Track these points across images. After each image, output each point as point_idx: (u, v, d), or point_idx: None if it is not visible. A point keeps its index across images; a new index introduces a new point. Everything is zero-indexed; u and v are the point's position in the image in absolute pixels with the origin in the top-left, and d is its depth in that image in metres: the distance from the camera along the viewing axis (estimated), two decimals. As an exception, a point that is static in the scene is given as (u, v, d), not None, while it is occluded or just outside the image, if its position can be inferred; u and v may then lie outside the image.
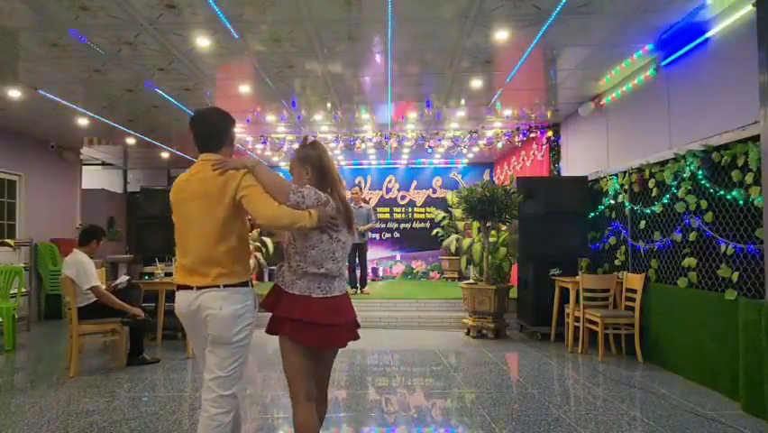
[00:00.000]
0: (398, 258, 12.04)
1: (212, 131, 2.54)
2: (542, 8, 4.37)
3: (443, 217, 11.82)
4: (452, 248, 11.08)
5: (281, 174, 2.58)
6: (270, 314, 2.51)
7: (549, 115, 7.85)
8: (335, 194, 2.53)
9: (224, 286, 2.40)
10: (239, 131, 8.83)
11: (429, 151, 9.64)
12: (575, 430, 3.51)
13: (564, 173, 8.14)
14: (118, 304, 5.11)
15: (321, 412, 2.59)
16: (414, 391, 4.54)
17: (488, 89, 6.63)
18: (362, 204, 9.11)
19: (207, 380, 2.43)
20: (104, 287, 5.32)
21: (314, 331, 2.38)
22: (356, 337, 2.57)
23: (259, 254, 9.53)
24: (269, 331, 2.51)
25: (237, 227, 2.44)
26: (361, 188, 10.81)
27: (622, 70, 5.91)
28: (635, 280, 5.55)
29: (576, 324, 5.92)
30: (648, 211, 5.50)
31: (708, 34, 4.61)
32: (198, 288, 2.42)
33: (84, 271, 4.98)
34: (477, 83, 6.35)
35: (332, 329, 2.42)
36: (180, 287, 2.53)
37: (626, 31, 4.88)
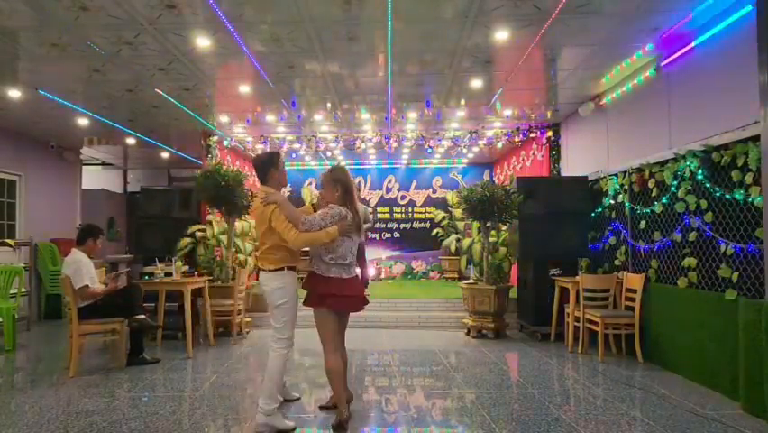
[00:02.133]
0: (399, 258, 12.03)
1: (258, 171, 3.79)
2: (542, 8, 4.37)
3: (443, 217, 11.81)
4: (452, 248, 11.08)
5: (298, 206, 3.81)
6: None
7: (549, 115, 7.86)
8: (352, 207, 3.62)
9: (268, 270, 3.66)
10: (240, 131, 8.84)
11: (429, 151, 9.64)
12: (575, 430, 3.51)
13: (564, 173, 8.14)
14: (104, 289, 5.18)
15: (344, 357, 3.85)
16: (414, 391, 4.54)
17: (488, 89, 6.63)
18: (361, 204, 9.08)
19: (272, 329, 3.68)
20: (101, 287, 5.31)
21: (346, 301, 3.62)
22: (367, 303, 3.80)
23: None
24: (310, 305, 3.63)
25: (273, 238, 3.61)
26: (359, 188, 10.79)
27: (622, 70, 5.91)
28: (635, 281, 5.55)
29: (576, 324, 5.92)
30: (648, 211, 5.50)
31: (708, 34, 4.61)
32: (261, 270, 3.75)
33: (78, 271, 4.98)
34: (477, 83, 6.36)
35: (355, 299, 3.67)
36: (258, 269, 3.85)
37: (626, 31, 4.88)
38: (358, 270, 3.83)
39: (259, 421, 3.51)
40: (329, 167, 3.76)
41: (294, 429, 3.55)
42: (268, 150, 9.46)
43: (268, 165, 3.72)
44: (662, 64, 5.34)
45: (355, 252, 3.67)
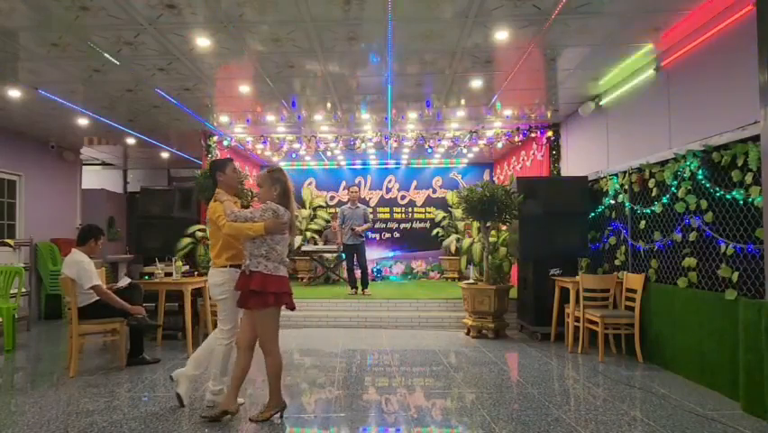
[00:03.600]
0: (399, 258, 12.03)
1: (210, 174, 4.28)
2: (542, 8, 4.37)
3: (443, 217, 11.81)
4: (452, 248, 11.08)
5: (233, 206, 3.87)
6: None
7: (549, 115, 7.86)
8: (289, 207, 3.71)
9: (214, 267, 3.99)
10: (240, 131, 8.84)
11: (429, 151, 9.64)
12: (575, 430, 3.51)
13: (564, 173, 8.14)
14: (119, 303, 5.11)
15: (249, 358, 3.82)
16: (414, 391, 4.53)
17: (488, 89, 6.63)
18: (359, 204, 9.10)
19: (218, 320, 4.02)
20: (105, 286, 5.32)
21: (290, 297, 3.71)
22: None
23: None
24: (261, 305, 3.59)
25: (219, 236, 3.92)
26: (358, 188, 10.77)
27: (622, 70, 5.91)
28: (635, 280, 5.55)
29: (576, 324, 5.92)
30: (648, 211, 5.50)
31: (707, 34, 4.61)
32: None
33: (84, 271, 4.98)
34: (477, 83, 6.36)
35: (290, 296, 3.75)
36: None
37: (626, 31, 4.88)
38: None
39: (206, 398, 4.02)
40: (268, 168, 3.91)
41: (236, 412, 3.79)
42: (268, 150, 9.48)
43: (214, 170, 4.14)
44: (662, 64, 5.34)
45: (286, 250, 3.78)
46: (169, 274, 6.29)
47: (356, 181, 12.03)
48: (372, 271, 11.27)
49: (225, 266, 3.92)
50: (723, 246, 4.30)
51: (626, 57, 5.55)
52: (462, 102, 7.24)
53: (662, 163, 5.25)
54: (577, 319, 5.89)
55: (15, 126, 8.14)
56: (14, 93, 6.32)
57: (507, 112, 7.74)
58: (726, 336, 4.17)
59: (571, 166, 7.93)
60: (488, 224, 6.93)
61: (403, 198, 12.14)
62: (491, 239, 7.30)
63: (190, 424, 3.67)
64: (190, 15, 4.44)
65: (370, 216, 9.45)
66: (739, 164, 4.13)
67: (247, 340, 3.72)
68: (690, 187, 4.77)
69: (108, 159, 11.56)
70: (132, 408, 4.03)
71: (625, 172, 6.00)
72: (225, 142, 9.00)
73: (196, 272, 6.87)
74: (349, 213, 8.89)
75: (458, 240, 10.98)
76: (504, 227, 7.95)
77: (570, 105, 7.43)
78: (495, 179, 11.71)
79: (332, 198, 12.16)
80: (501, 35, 4.91)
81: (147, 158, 11.30)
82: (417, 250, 12.02)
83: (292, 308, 3.74)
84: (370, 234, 11.44)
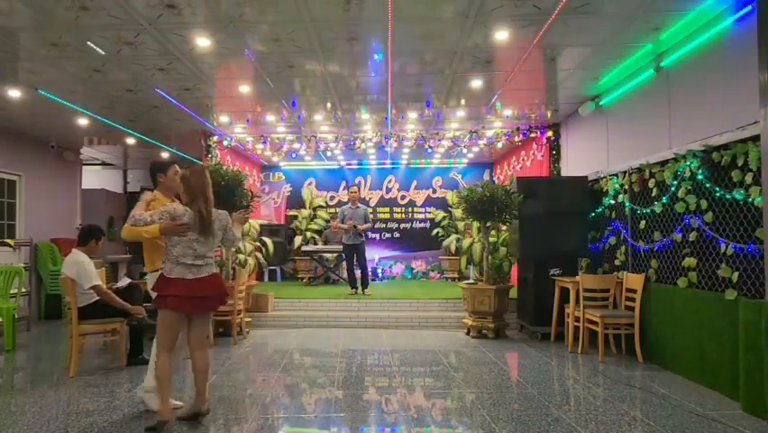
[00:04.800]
0: (399, 258, 12.04)
1: (150, 175, 4.14)
2: (542, 8, 4.37)
3: (443, 217, 11.81)
4: (452, 248, 11.08)
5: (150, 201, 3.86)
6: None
7: (549, 115, 7.86)
8: (195, 207, 3.58)
9: (147, 271, 4.05)
10: (240, 131, 8.84)
11: (429, 151, 9.64)
12: (575, 430, 3.51)
13: (564, 173, 8.14)
14: (120, 303, 5.11)
15: (202, 361, 3.71)
16: (414, 391, 4.53)
17: (488, 89, 6.63)
18: (359, 205, 9.10)
19: None
20: (105, 286, 5.32)
21: (191, 302, 3.55)
22: (223, 303, 3.77)
23: (259, 254, 9.53)
24: (155, 307, 3.60)
25: (147, 241, 3.92)
26: (359, 188, 10.74)
27: (622, 70, 5.91)
28: (635, 280, 5.55)
29: (576, 324, 5.92)
30: (648, 211, 5.50)
31: (708, 34, 4.61)
32: None
33: (85, 271, 4.99)
34: (477, 83, 6.36)
35: (202, 300, 3.59)
36: None
37: (626, 31, 4.88)
38: (215, 269, 3.73)
39: (138, 394, 4.04)
40: (190, 167, 3.79)
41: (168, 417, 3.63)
42: (268, 150, 9.49)
43: (155, 171, 4.10)
44: (662, 64, 5.34)
45: (203, 252, 3.59)
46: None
47: (356, 181, 12.02)
48: (372, 273, 11.29)
49: (157, 270, 3.85)
50: (723, 246, 4.30)
51: (626, 57, 5.55)
52: (462, 102, 7.23)
53: (662, 163, 5.25)
54: (577, 319, 5.89)
55: (15, 126, 8.14)
56: (14, 93, 6.32)
57: (507, 112, 7.74)
58: (726, 336, 4.17)
59: (571, 166, 7.93)
60: (488, 224, 6.93)
61: (403, 198, 12.14)
62: (491, 239, 7.30)
63: (190, 424, 3.67)
64: (190, 15, 4.44)
65: (371, 216, 9.45)
66: (739, 164, 4.13)
67: (161, 342, 3.62)
68: (690, 187, 4.77)
69: (108, 159, 11.56)
70: (132, 408, 4.03)
71: (625, 172, 6.00)
72: (225, 142, 9.00)
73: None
74: (349, 213, 8.89)
75: (458, 240, 10.98)
76: (504, 227, 7.94)
77: (570, 105, 7.43)
78: (495, 179, 11.70)
79: (332, 197, 12.16)
80: (501, 35, 4.91)
81: (147, 158, 11.28)
82: (417, 250, 12.02)
83: (173, 308, 3.54)
84: (370, 234, 11.44)
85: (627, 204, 5.96)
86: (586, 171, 7.08)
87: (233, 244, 3.96)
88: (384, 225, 12.06)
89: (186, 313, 3.63)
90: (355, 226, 8.70)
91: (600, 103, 6.82)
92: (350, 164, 11.99)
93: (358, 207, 8.98)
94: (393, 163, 11.96)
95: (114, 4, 4.18)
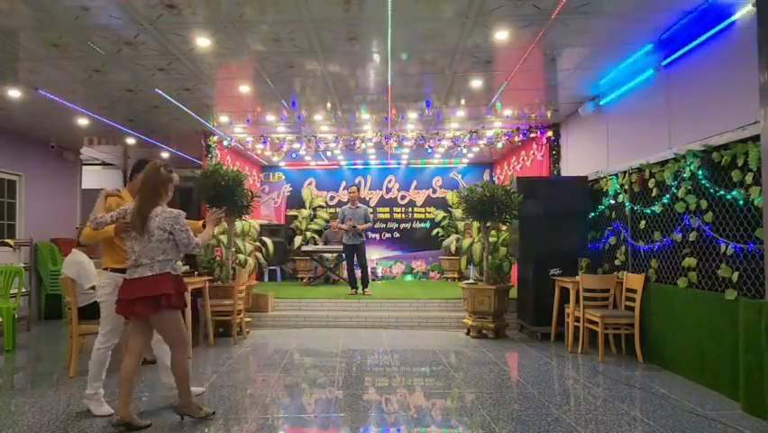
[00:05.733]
0: (399, 258, 12.03)
1: (133, 172, 4.25)
2: (542, 8, 4.37)
3: (443, 217, 11.81)
4: (452, 248, 11.08)
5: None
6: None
7: (549, 115, 7.85)
8: (139, 205, 3.55)
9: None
10: (240, 131, 8.84)
11: (429, 151, 9.64)
12: (575, 430, 3.51)
13: (564, 173, 8.14)
14: None
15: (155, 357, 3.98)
16: (414, 391, 4.53)
17: (488, 89, 6.63)
18: (359, 204, 9.10)
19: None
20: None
21: (123, 305, 3.55)
22: (157, 307, 3.52)
23: (259, 254, 9.53)
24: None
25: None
26: (358, 188, 10.73)
27: (622, 70, 5.90)
28: (635, 280, 5.55)
29: (576, 324, 5.92)
30: (648, 211, 5.50)
31: (708, 34, 4.61)
32: None
33: (85, 271, 4.99)
34: (477, 83, 6.35)
35: (130, 302, 3.50)
36: None
37: (626, 31, 4.88)
38: (162, 270, 3.56)
39: (83, 401, 4.00)
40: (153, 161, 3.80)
41: (110, 415, 3.76)
42: (268, 150, 9.48)
43: (134, 170, 4.20)
44: (663, 64, 5.34)
45: (143, 251, 3.50)
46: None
47: (356, 181, 12.01)
48: (371, 273, 11.29)
49: (107, 269, 3.94)
50: (723, 246, 4.30)
51: (626, 57, 5.55)
52: (462, 102, 7.23)
53: (662, 163, 5.25)
54: (577, 319, 5.89)
55: (15, 126, 8.14)
56: (14, 93, 6.31)
57: (507, 112, 7.74)
58: (726, 336, 4.17)
59: (571, 166, 7.92)
60: (488, 224, 6.93)
61: (403, 198, 12.14)
62: (491, 239, 7.30)
63: (190, 424, 3.67)
64: (190, 15, 4.44)
65: (371, 216, 9.45)
66: (739, 164, 4.13)
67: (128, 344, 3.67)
68: (690, 187, 4.77)
69: (108, 159, 11.56)
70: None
71: (625, 172, 6.00)
72: (225, 143, 9.00)
73: (196, 272, 6.87)
74: (349, 213, 8.89)
75: (458, 240, 10.98)
76: (504, 227, 7.94)
77: (570, 106, 7.43)
78: (495, 179, 11.70)
79: (332, 197, 12.15)
80: (501, 35, 4.91)
81: (147, 158, 11.28)
82: (417, 250, 12.02)
83: (120, 312, 3.63)
84: (370, 234, 11.43)
85: (627, 204, 5.96)
86: (586, 171, 7.08)
87: (187, 249, 3.61)
88: (384, 225, 12.06)
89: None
90: (354, 227, 8.71)
91: (600, 103, 6.82)
92: (354, 164, 11.99)
93: (358, 206, 8.97)
94: (394, 163, 11.96)
95: (114, 4, 4.18)
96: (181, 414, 3.70)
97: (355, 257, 8.86)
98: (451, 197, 11.47)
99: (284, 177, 12.17)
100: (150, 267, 3.51)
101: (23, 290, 7.56)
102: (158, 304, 3.49)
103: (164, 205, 3.65)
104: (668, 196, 5.12)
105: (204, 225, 4.13)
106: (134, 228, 3.52)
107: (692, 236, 4.72)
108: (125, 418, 3.51)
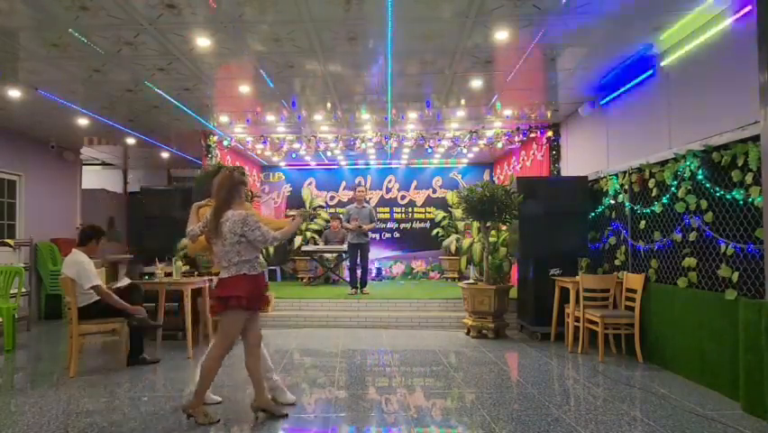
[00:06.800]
0: (399, 258, 12.03)
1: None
2: (542, 8, 4.37)
3: (443, 217, 11.81)
4: (452, 248, 11.08)
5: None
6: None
7: (549, 115, 7.86)
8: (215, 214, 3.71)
9: None
10: (240, 131, 8.84)
11: (429, 151, 9.64)
12: (575, 430, 3.51)
13: (564, 173, 8.14)
14: (120, 304, 5.11)
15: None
16: (414, 391, 4.53)
17: (488, 89, 6.63)
18: (365, 204, 9.12)
19: None
20: (105, 286, 5.32)
21: (211, 302, 3.86)
22: (213, 310, 3.86)
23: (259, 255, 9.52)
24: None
25: None
26: (365, 189, 10.69)
27: (622, 70, 5.90)
28: (635, 280, 5.55)
29: (576, 324, 5.92)
30: (648, 211, 5.50)
31: (708, 34, 4.61)
32: None
33: (85, 271, 4.99)
34: (477, 83, 6.36)
35: (213, 302, 3.80)
36: None
37: (626, 31, 4.88)
38: (238, 271, 3.74)
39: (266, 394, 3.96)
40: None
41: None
42: (268, 150, 9.48)
43: (214, 178, 4.04)
44: (662, 64, 5.34)
45: (221, 254, 3.70)
46: (169, 274, 6.29)
47: (356, 181, 12.03)
48: (376, 272, 11.30)
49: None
50: (723, 246, 4.30)
51: (626, 57, 5.55)
52: (462, 102, 7.23)
53: (662, 163, 5.25)
54: (577, 319, 5.89)
55: (15, 126, 8.14)
56: (14, 93, 6.32)
57: (507, 112, 7.74)
58: (726, 336, 4.17)
59: (571, 166, 7.93)
60: (488, 224, 6.93)
61: (403, 198, 12.14)
62: (491, 239, 7.30)
63: (190, 424, 3.67)
64: (190, 15, 4.44)
65: (375, 216, 9.46)
66: (739, 164, 4.13)
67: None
68: (690, 187, 4.77)
69: (108, 159, 11.56)
70: (132, 408, 4.03)
71: (625, 172, 6.00)
72: (225, 143, 9.00)
73: (196, 272, 6.87)
74: (355, 212, 8.91)
75: (458, 240, 10.98)
76: (504, 227, 7.94)
77: (570, 106, 7.43)
78: (495, 179, 11.70)
79: (332, 197, 12.16)
80: (501, 35, 4.91)
81: (147, 158, 11.30)
82: (417, 250, 12.01)
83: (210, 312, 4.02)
84: (371, 234, 11.43)
85: (627, 204, 5.96)
86: (586, 171, 7.08)
87: (265, 245, 3.79)
88: (384, 225, 12.06)
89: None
90: (360, 227, 8.73)
91: (600, 103, 6.82)
92: (356, 164, 11.98)
93: (364, 206, 9.01)
94: (394, 163, 11.95)
95: (114, 4, 4.18)
96: (187, 414, 3.69)
97: (359, 256, 8.87)
98: (451, 197, 11.47)
99: (284, 177, 12.18)
100: (227, 270, 3.69)
101: (23, 290, 7.56)
102: (226, 304, 3.69)
103: (237, 207, 3.73)
104: (668, 196, 5.12)
105: (292, 219, 4.07)
106: (211, 234, 3.71)
107: (692, 236, 4.72)
108: (262, 405, 3.82)
